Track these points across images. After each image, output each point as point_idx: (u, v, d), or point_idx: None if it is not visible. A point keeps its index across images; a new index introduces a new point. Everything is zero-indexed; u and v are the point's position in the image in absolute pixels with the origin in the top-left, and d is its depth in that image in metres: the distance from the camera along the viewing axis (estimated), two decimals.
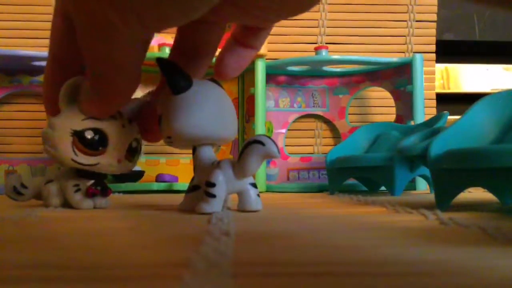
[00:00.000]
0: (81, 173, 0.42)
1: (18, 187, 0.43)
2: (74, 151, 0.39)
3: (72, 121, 0.39)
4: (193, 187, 0.39)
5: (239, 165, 0.36)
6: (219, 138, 0.38)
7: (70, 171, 0.42)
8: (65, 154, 0.39)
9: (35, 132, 0.86)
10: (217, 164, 0.37)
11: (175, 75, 0.35)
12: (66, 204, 0.42)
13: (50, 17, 0.88)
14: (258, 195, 0.38)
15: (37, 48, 0.87)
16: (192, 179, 0.39)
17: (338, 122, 0.91)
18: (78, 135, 0.39)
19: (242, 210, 0.37)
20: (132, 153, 0.42)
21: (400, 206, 0.39)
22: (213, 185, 0.36)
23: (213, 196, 0.36)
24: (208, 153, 0.38)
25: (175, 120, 0.35)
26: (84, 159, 0.40)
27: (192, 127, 0.36)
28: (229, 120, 0.38)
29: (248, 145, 0.36)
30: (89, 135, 0.39)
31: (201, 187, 0.37)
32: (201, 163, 0.38)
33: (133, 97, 0.42)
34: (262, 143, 0.36)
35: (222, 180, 0.36)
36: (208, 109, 0.36)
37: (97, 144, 0.39)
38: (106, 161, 0.40)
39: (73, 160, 0.39)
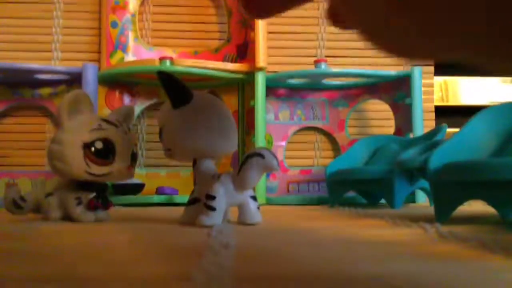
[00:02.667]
0: (82, 185, 0.42)
1: (18, 200, 0.43)
2: (87, 163, 0.40)
3: (80, 133, 0.40)
4: (193, 200, 0.39)
5: (239, 178, 0.37)
6: (219, 151, 0.38)
7: (70, 184, 0.42)
8: (79, 167, 0.40)
9: (36, 145, 0.87)
10: (217, 177, 0.37)
11: (175, 89, 0.36)
12: (66, 217, 0.42)
13: (53, 30, 0.89)
14: (258, 208, 0.38)
15: (39, 61, 0.88)
16: (192, 191, 0.39)
17: (338, 135, 0.92)
18: (89, 147, 0.39)
19: (242, 222, 0.38)
20: (135, 158, 0.43)
21: (400, 219, 0.39)
22: (213, 198, 0.36)
23: (213, 209, 0.36)
24: (209, 165, 0.38)
25: (175, 133, 0.36)
26: (98, 170, 0.40)
27: (192, 140, 0.36)
28: (229, 133, 0.38)
29: (248, 158, 0.37)
30: (98, 145, 0.40)
31: (201, 200, 0.37)
32: (201, 175, 0.38)
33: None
34: (262, 156, 0.36)
35: (222, 193, 0.36)
36: (208, 123, 0.36)
37: (107, 153, 0.40)
38: (117, 169, 0.41)
39: (87, 172, 0.40)
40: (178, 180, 0.87)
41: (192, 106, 0.36)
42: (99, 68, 0.82)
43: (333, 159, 0.75)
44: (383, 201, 0.72)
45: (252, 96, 0.80)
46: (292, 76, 0.85)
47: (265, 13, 0.23)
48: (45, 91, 0.85)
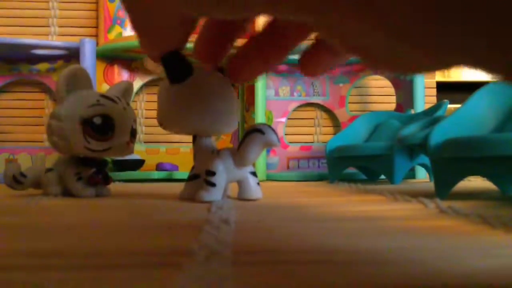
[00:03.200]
0: (82, 161, 0.42)
1: (17, 176, 0.43)
2: (86, 139, 0.39)
3: (79, 109, 0.39)
4: (193, 176, 0.39)
5: (239, 154, 0.36)
6: (215, 132, 0.37)
7: (71, 159, 0.42)
8: (78, 143, 0.40)
9: (35, 120, 0.86)
10: (217, 153, 0.37)
11: (174, 64, 0.33)
12: (66, 192, 0.42)
13: (50, 5, 0.88)
14: (258, 184, 0.38)
15: (36, 36, 0.87)
16: (193, 168, 0.39)
17: (338, 111, 0.91)
18: (88, 123, 0.39)
19: (242, 198, 0.38)
20: (134, 134, 0.43)
21: (400, 195, 0.39)
22: (213, 174, 0.36)
23: (213, 184, 0.36)
24: (208, 141, 0.38)
25: (170, 110, 0.35)
26: (97, 145, 0.40)
27: (186, 119, 0.34)
28: (228, 115, 0.36)
29: (248, 134, 0.36)
30: (97, 121, 0.40)
31: (201, 176, 0.37)
32: (201, 152, 0.38)
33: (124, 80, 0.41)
34: (262, 132, 0.36)
35: (222, 169, 0.36)
36: (204, 102, 0.34)
37: (106, 129, 0.40)
38: (117, 145, 0.41)
39: (86, 148, 0.40)
40: (178, 156, 0.87)
41: (189, 84, 0.33)
42: (97, 43, 0.81)
43: (333, 136, 0.75)
44: (383, 177, 0.72)
45: None
46: (292, 51, 0.84)
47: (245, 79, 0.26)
48: (43, 66, 0.84)
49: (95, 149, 0.40)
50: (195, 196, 0.36)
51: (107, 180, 0.43)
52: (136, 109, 0.89)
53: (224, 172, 0.36)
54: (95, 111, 0.39)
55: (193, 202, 0.36)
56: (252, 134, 0.36)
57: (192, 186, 0.38)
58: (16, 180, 0.43)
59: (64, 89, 0.40)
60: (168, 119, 0.35)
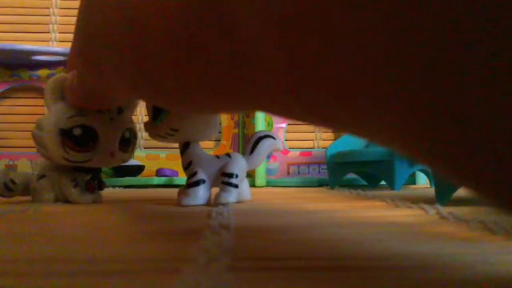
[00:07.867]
0: (76, 167, 0.42)
1: (9, 183, 0.43)
2: (64, 149, 0.39)
3: (59, 120, 0.39)
4: (199, 181, 0.38)
5: (252, 158, 0.39)
6: (213, 134, 0.39)
7: (64, 166, 0.42)
8: (56, 153, 0.39)
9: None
10: (231, 156, 0.38)
11: None
12: (59, 199, 0.42)
13: (50, 11, 0.88)
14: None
15: (37, 42, 0.87)
16: (193, 174, 0.38)
17: None
18: (66, 134, 0.38)
19: (238, 201, 0.39)
20: (126, 143, 0.42)
21: (400, 201, 0.39)
22: (234, 176, 0.37)
23: (236, 186, 0.37)
24: (201, 148, 0.39)
25: (196, 124, 0.36)
26: (76, 157, 0.39)
27: (208, 128, 0.37)
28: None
29: (261, 139, 0.39)
30: (77, 132, 0.39)
31: (206, 181, 0.37)
32: (203, 158, 0.38)
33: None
34: (273, 137, 0.39)
35: (242, 171, 0.38)
36: None
37: (86, 141, 0.39)
38: (97, 156, 0.40)
39: (65, 158, 0.39)
40: (178, 162, 0.87)
41: None
42: None
43: (333, 141, 0.75)
44: (383, 183, 0.72)
45: None
46: None
47: None
48: (43, 72, 0.84)
49: (73, 160, 0.39)
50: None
51: (101, 186, 0.43)
52: (135, 115, 0.89)
53: (243, 174, 0.38)
54: (75, 122, 0.39)
55: (192, 208, 0.36)
56: (265, 139, 0.39)
57: (195, 192, 0.38)
58: (7, 188, 0.43)
59: (49, 98, 0.40)
60: (187, 124, 0.36)
